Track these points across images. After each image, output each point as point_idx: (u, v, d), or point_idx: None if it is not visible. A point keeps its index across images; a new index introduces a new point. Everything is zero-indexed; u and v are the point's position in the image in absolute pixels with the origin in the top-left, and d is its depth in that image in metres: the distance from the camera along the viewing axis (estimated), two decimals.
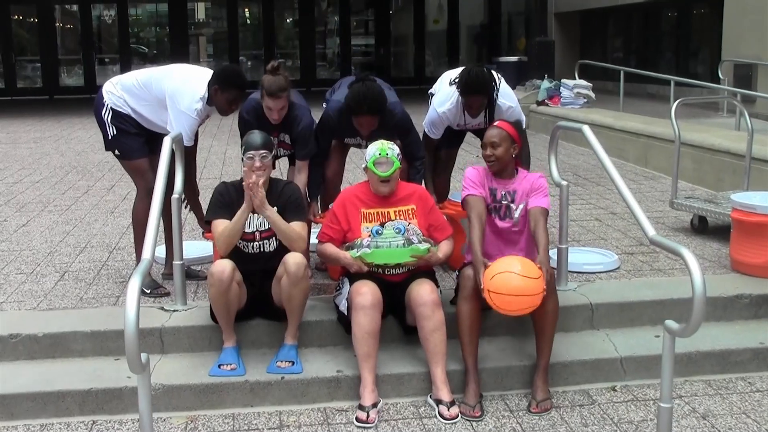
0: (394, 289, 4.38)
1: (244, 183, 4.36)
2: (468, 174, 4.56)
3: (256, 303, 4.49)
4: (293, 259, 4.24)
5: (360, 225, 4.42)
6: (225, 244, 4.36)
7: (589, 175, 9.14)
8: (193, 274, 5.34)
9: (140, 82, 5.06)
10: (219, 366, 4.30)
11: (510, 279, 3.99)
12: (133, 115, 5.09)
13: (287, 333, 4.43)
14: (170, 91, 4.95)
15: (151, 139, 5.13)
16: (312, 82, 22.62)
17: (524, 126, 5.06)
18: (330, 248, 4.45)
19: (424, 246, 4.35)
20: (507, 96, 5.21)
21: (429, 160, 5.34)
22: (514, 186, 4.51)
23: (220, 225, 4.39)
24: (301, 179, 5.07)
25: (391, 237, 4.35)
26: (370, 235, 4.36)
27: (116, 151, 5.16)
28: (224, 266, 4.23)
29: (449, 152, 5.74)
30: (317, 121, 5.17)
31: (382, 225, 4.40)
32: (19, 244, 6.45)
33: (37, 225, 7.10)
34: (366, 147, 4.57)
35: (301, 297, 4.29)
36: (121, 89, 5.10)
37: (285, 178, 5.01)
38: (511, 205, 4.49)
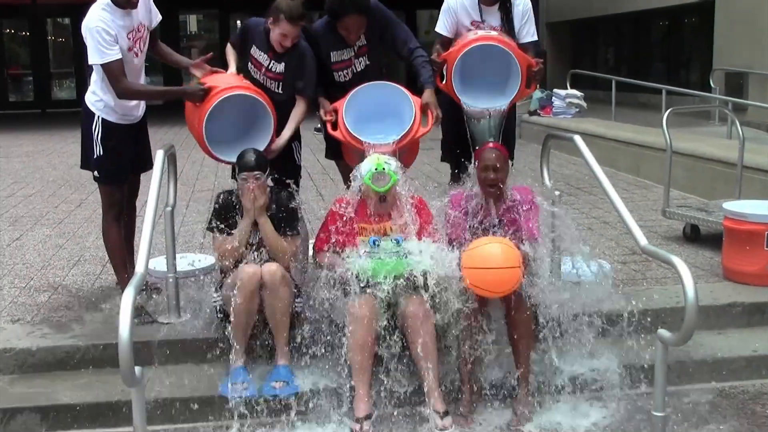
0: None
1: (241, 197, 4.39)
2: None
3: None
4: (267, 269, 4.24)
5: (356, 237, 4.41)
6: (230, 258, 4.37)
7: (581, 184, 9.15)
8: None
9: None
10: (231, 384, 4.19)
11: (489, 246, 4.14)
12: (118, 119, 4.91)
13: (278, 353, 4.36)
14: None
15: (139, 151, 5.06)
16: None
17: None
18: (327, 258, 4.43)
19: (420, 268, 4.21)
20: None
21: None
22: (501, 212, 4.45)
23: (223, 240, 4.40)
24: (299, 109, 4.88)
25: (390, 249, 4.32)
26: (367, 246, 4.34)
27: (96, 173, 4.98)
28: (255, 269, 4.21)
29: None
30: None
31: (381, 237, 4.38)
32: (12, 257, 6.44)
33: (30, 239, 7.09)
34: (356, 65, 4.82)
35: (282, 308, 4.26)
36: (94, 83, 4.99)
37: None
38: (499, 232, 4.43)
